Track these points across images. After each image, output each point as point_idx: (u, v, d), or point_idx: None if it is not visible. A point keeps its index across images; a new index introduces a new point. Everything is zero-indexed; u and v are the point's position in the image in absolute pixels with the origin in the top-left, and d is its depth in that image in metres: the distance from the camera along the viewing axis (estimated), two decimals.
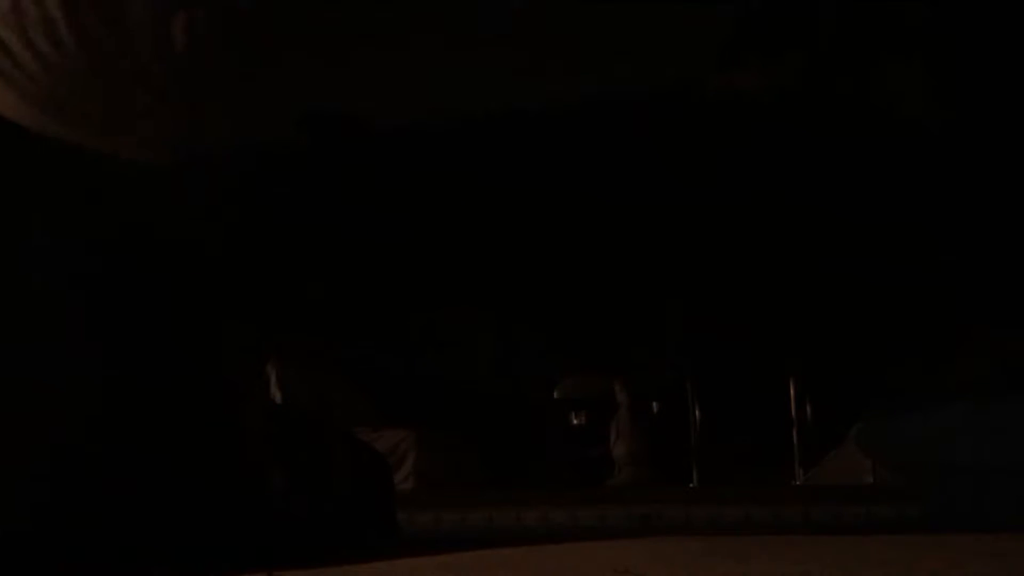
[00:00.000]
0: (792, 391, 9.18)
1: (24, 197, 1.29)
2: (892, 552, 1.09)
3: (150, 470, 1.11)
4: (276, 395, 7.35)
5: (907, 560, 1.05)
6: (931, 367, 8.57)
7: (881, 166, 11.53)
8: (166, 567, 1.11)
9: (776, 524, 5.29)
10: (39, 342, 1.20)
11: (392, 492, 1.34)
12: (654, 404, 9.98)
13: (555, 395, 10.26)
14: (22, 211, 1.27)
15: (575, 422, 10.09)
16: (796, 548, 1.10)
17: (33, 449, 1.12)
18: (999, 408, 3.04)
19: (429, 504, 5.65)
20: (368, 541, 1.20)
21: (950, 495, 2.94)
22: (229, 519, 1.13)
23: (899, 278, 11.12)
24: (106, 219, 1.14)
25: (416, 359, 10.51)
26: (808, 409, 9.15)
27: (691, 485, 9.30)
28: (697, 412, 9.78)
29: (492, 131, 12.31)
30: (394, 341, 10.66)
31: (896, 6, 11.99)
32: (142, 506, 1.12)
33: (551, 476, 9.77)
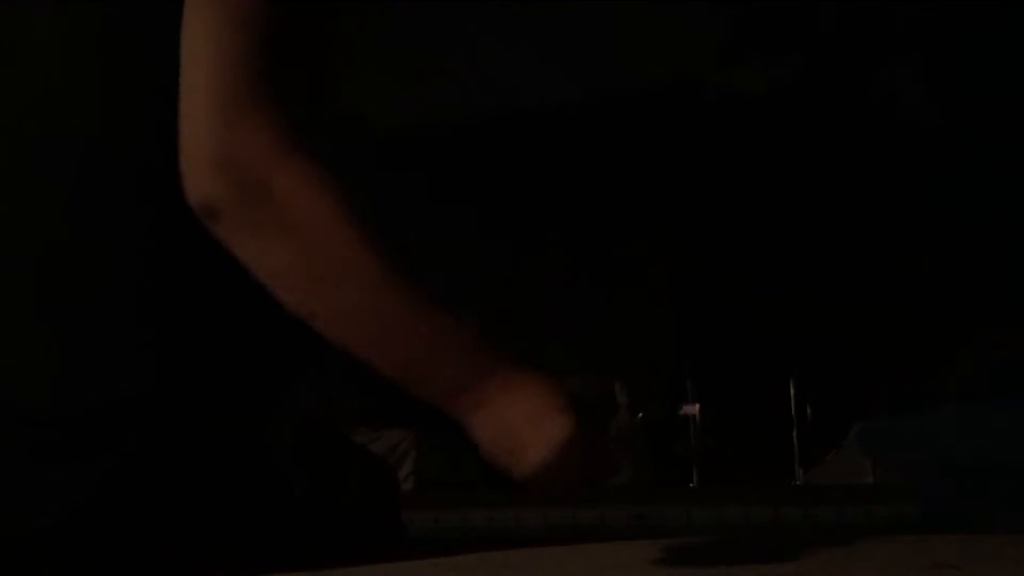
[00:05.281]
0: (792, 391, 9.19)
1: None
2: (892, 552, 1.09)
3: (183, 473, 1.10)
4: None
5: (907, 560, 1.04)
6: (931, 367, 8.57)
7: (880, 166, 11.52)
8: (196, 567, 1.10)
9: (776, 524, 5.28)
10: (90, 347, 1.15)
11: (398, 495, 1.34)
12: (654, 404, 9.99)
13: None
14: None
15: None
16: (796, 548, 1.09)
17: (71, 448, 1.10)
18: (999, 408, 3.04)
19: (429, 504, 5.64)
20: (378, 542, 1.20)
21: (950, 495, 2.93)
22: (255, 522, 1.12)
23: (899, 279, 11.12)
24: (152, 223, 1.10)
25: None
26: (808, 409, 9.16)
27: (691, 485, 9.31)
28: (697, 412, 9.78)
29: (493, 131, 12.29)
30: None
31: (896, 6, 11.97)
32: (175, 508, 1.10)
33: None
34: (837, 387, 9.58)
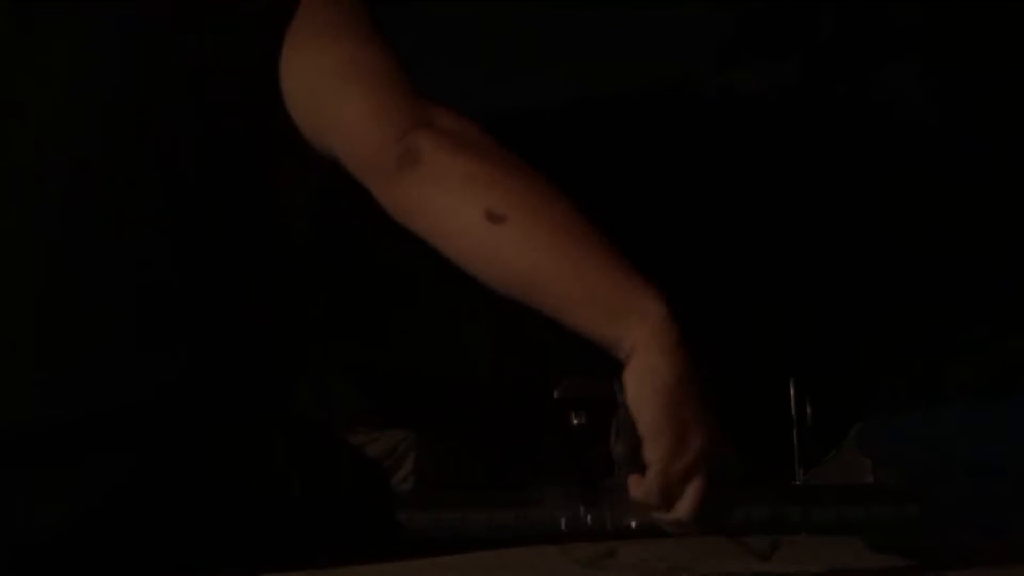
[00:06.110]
0: (792, 391, 9.18)
1: None
2: (892, 552, 1.09)
3: (185, 475, 1.12)
4: None
5: (907, 560, 1.04)
6: (931, 367, 8.56)
7: (880, 166, 11.52)
8: (196, 567, 1.11)
9: (776, 524, 5.28)
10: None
11: (389, 496, 1.36)
12: None
13: (555, 395, 10.24)
14: None
15: (575, 422, 10.06)
16: (796, 548, 1.10)
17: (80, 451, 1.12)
18: (999, 408, 3.04)
19: (429, 504, 5.63)
20: (371, 543, 1.21)
21: (950, 495, 2.94)
22: (256, 523, 1.14)
23: (899, 279, 11.12)
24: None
25: (415, 359, 10.52)
26: (808, 409, 9.15)
27: None
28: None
29: (491, 130, 12.31)
30: (394, 341, 10.66)
31: (896, 6, 11.96)
32: (176, 510, 1.12)
33: (551, 476, 9.75)
34: (837, 387, 9.58)
